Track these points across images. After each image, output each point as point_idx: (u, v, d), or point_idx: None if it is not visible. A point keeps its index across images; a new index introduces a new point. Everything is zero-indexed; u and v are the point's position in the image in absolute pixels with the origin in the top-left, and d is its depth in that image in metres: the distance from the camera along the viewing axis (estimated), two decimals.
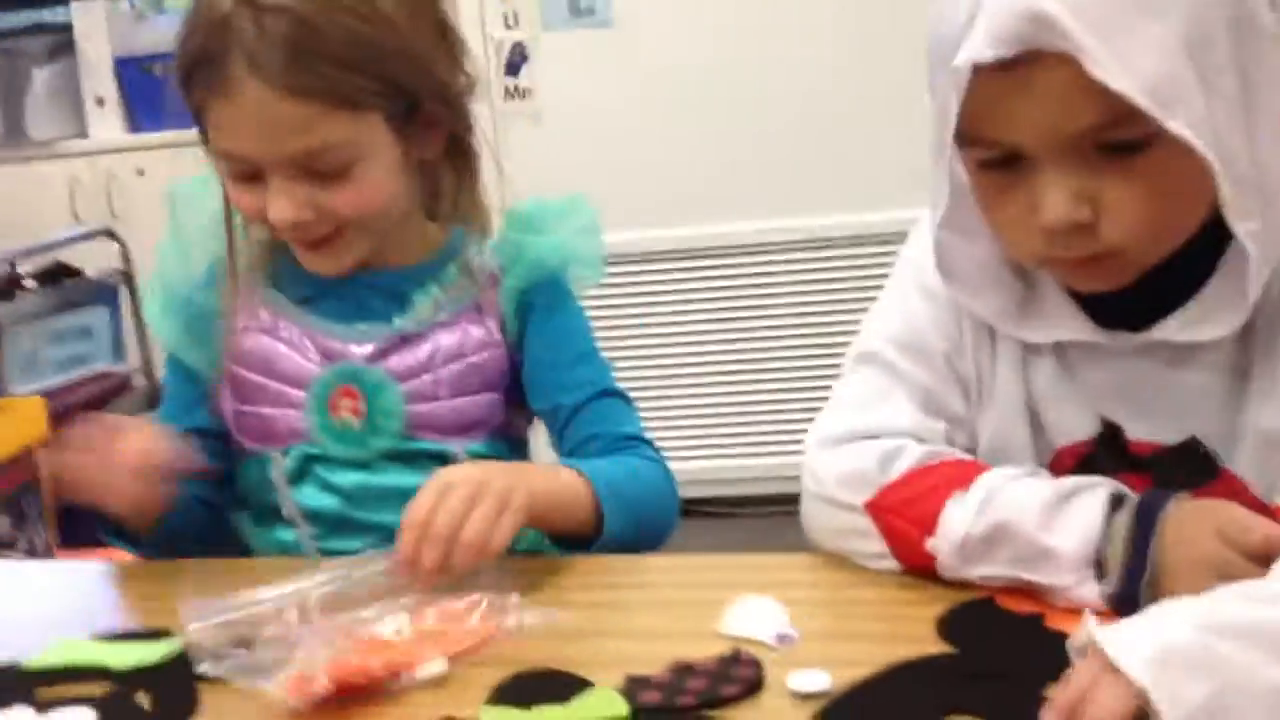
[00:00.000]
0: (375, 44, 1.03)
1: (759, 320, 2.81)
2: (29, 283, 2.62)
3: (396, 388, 1.12)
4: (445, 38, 1.11)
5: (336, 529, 1.12)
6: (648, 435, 1.16)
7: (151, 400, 2.75)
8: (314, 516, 1.12)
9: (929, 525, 0.90)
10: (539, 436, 1.22)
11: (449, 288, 1.15)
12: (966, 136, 0.85)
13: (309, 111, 1.01)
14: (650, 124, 2.75)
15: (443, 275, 1.15)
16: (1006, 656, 0.81)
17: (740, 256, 2.81)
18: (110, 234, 2.89)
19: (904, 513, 0.92)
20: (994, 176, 0.86)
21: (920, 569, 0.92)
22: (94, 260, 2.95)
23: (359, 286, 1.14)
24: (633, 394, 1.19)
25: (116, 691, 0.88)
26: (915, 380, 0.98)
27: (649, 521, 1.08)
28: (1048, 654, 0.76)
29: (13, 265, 2.62)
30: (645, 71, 2.74)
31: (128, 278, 2.86)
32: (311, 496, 1.13)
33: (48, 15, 3.80)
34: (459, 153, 1.16)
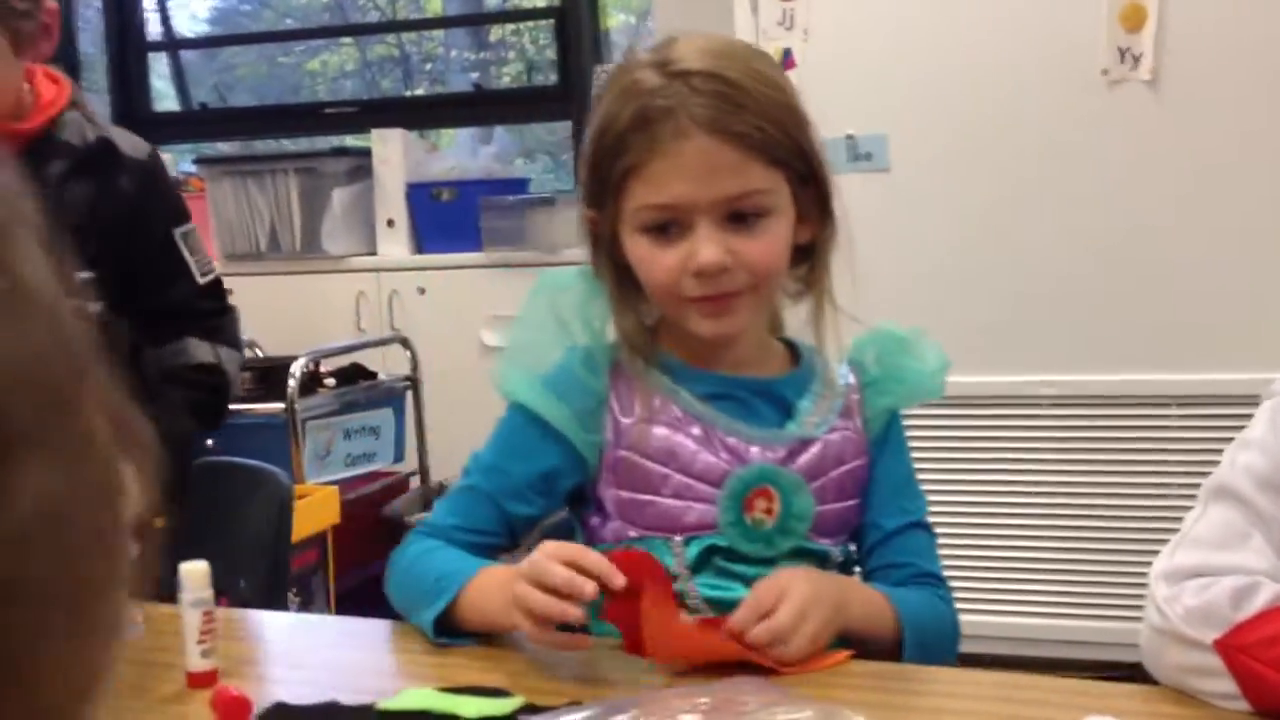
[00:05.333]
0: (786, 108, 1.14)
1: (1064, 475, 2.77)
2: (329, 381, 2.82)
3: (809, 492, 1.18)
4: None
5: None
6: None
7: (426, 502, 2.90)
8: (715, 603, 1.16)
9: None
10: None
11: (824, 396, 1.22)
12: None
13: (742, 156, 1.12)
14: (923, 267, 2.79)
15: (814, 385, 1.22)
16: None
17: (1008, 408, 2.79)
18: (404, 342, 3.09)
19: (1260, 654, 0.90)
20: None
21: (1275, 712, 0.90)
22: (383, 365, 3.15)
23: (746, 391, 1.20)
24: None
25: None
26: (1276, 522, 0.96)
27: (934, 661, 1.14)
28: None
29: (317, 365, 2.82)
30: (917, 215, 2.80)
31: (414, 383, 3.04)
32: (711, 586, 1.17)
33: (350, 141, 4.15)
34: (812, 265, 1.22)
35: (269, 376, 2.72)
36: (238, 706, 0.99)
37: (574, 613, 1.00)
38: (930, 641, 1.14)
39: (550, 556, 1.02)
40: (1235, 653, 0.92)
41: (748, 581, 1.16)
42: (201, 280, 1.53)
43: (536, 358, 1.22)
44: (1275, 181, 2.55)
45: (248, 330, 3.39)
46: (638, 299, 1.21)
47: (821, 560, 1.20)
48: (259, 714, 1.00)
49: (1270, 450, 0.99)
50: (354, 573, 2.72)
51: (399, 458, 2.97)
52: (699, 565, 1.17)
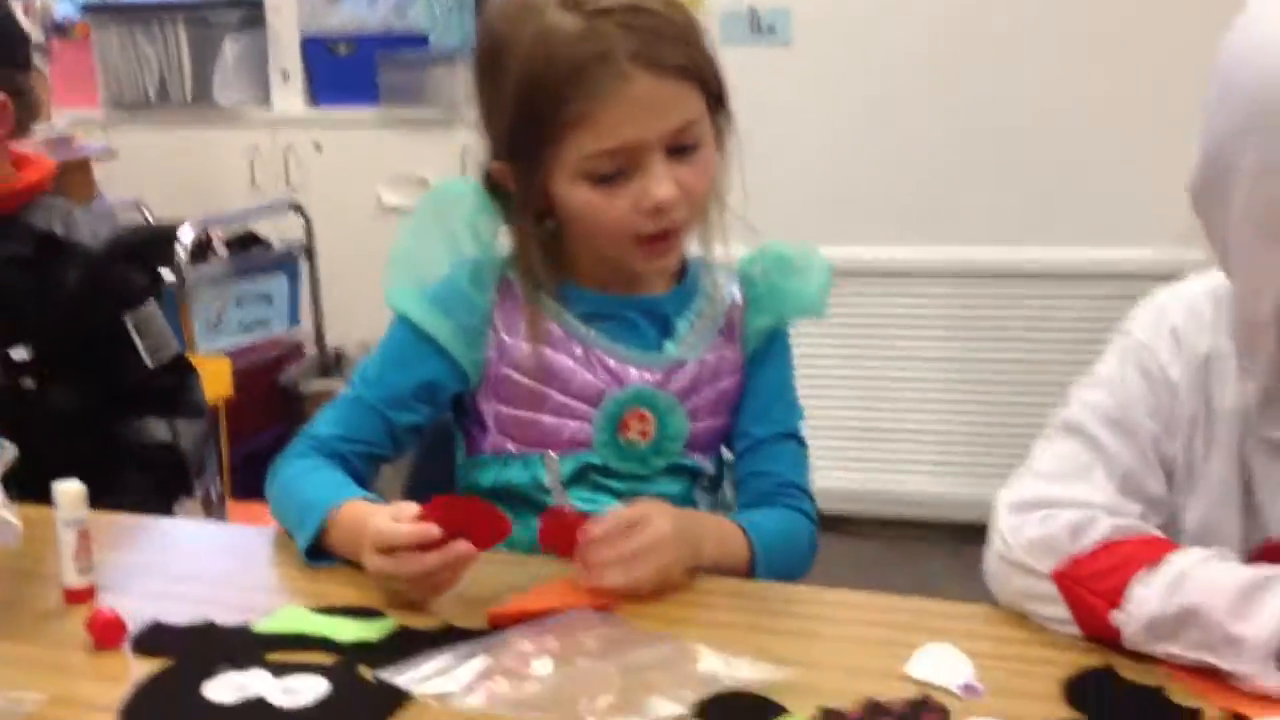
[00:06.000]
0: (695, 27, 1.14)
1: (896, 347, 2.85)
2: (219, 248, 2.77)
3: (683, 413, 1.21)
4: None
5: None
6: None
7: (323, 369, 2.89)
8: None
9: (1115, 599, 0.94)
10: None
11: (705, 314, 1.24)
12: None
13: (681, 89, 1.11)
14: (824, 142, 2.80)
15: (696, 302, 1.24)
16: None
17: (901, 278, 2.85)
18: (297, 208, 3.03)
19: (1092, 586, 0.96)
20: None
21: (1102, 638, 0.96)
22: (276, 231, 3.10)
23: (629, 309, 1.22)
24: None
25: (342, 662, 0.96)
26: (1117, 458, 1.01)
27: (785, 579, 1.18)
28: None
29: (206, 232, 2.77)
30: (818, 89, 2.79)
31: (309, 251, 3.00)
32: (586, 500, 1.20)
33: None
34: None
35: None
36: (113, 629, 1.01)
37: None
38: (780, 565, 1.17)
39: (372, 552, 1.04)
40: (1070, 584, 0.97)
41: (621, 495, 1.20)
42: (152, 365, 1.55)
43: (424, 270, 1.22)
44: (1155, 62, 2.59)
45: (135, 190, 3.31)
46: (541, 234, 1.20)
47: (694, 475, 1.24)
48: (134, 635, 1.01)
49: (1117, 390, 1.04)
50: (247, 442, 2.72)
51: (294, 324, 2.95)
52: (573, 480, 1.20)
